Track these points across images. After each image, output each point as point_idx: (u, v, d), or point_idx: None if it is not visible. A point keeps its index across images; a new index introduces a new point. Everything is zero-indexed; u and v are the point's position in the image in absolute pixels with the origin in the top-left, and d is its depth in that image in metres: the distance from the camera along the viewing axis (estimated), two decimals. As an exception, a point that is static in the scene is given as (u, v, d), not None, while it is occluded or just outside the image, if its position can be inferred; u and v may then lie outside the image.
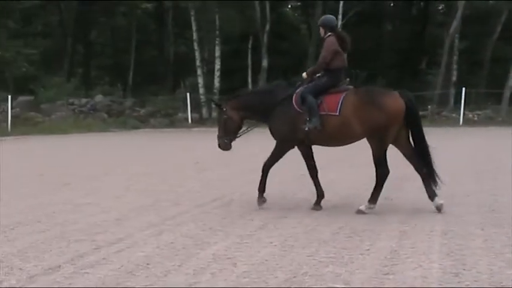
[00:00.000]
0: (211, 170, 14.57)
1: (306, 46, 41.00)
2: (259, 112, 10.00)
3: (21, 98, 36.18)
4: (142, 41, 47.52)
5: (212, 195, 10.81)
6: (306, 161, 9.88)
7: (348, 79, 9.86)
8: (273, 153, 9.85)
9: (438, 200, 9.15)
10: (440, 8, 48.33)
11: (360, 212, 9.14)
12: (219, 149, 10.27)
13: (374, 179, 9.19)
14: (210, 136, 26.68)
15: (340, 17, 36.97)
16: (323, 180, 9.77)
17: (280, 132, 9.74)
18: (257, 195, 9.76)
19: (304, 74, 9.85)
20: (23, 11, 46.80)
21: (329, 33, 9.68)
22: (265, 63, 37.17)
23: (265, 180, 9.78)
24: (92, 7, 46.53)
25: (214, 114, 35.74)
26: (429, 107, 34.23)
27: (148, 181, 12.90)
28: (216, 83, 36.73)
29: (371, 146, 9.25)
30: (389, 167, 9.18)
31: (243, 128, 10.26)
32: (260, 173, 9.76)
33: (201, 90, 36.79)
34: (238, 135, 10.23)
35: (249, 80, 39.11)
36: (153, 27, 51.20)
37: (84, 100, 36.80)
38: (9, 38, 44.27)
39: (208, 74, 38.24)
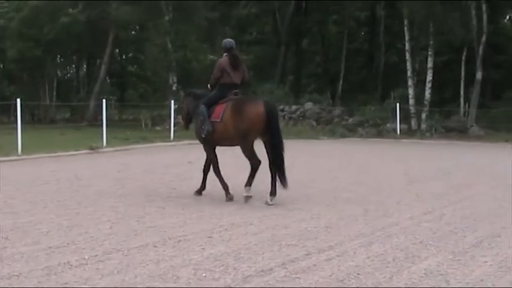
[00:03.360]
0: (422, 182, 14.28)
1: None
2: (190, 113, 12.19)
3: (235, 103, 37.55)
4: (352, 50, 47.69)
5: (423, 209, 10.57)
6: (206, 160, 11.84)
7: (237, 91, 11.40)
8: (206, 156, 11.79)
9: (271, 200, 10.73)
10: None
11: (247, 198, 10.84)
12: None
13: None
14: (420, 148, 26.52)
15: None
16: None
17: (197, 135, 11.72)
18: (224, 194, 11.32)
19: (208, 86, 11.78)
20: (240, 20, 48.74)
21: (225, 54, 11.49)
22: (479, 75, 35.82)
23: (222, 179, 11.47)
24: (305, 16, 47.42)
25: (424, 126, 35.10)
26: None
27: (357, 190, 12.84)
28: (427, 94, 35.97)
29: (239, 144, 11.07)
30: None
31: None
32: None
33: (411, 101, 36.19)
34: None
35: (461, 92, 38.00)
36: (364, 36, 51.28)
37: (294, 107, 37.49)
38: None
39: (419, 85, 37.56)
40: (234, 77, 11.37)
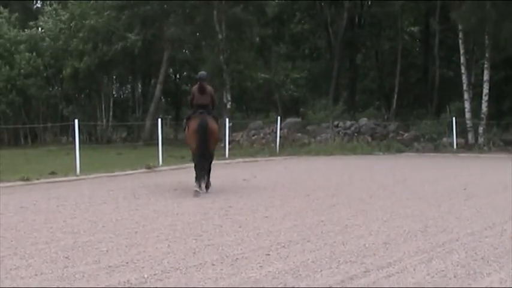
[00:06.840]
0: (481, 197, 14.04)
1: None
2: None
3: (289, 120, 37.53)
4: (406, 64, 47.25)
5: (483, 224, 10.39)
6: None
7: (202, 110, 14.72)
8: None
9: (199, 190, 14.26)
10: None
11: (196, 192, 14.17)
12: None
13: None
14: (478, 162, 26.08)
15: None
16: None
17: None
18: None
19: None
20: (293, 36, 48.80)
21: (198, 83, 15.10)
22: (537, 87, 35.06)
23: (196, 174, 14.57)
24: (359, 31, 47.26)
25: (481, 140, 34.52)
26: None
27: (414, 206, 12.70)
28: (484, 107, 35.32)
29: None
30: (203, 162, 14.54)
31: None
32: None
33: (468, 115, 35.61)
34: None
35: (521, 105, 37.23)
36: (419, 50, 50.82)
37: (348, 123, 37.27)
38: (279, 61, 46.42)
39: (475, 99, 36.96)
40: (201, 100, 14.97)
